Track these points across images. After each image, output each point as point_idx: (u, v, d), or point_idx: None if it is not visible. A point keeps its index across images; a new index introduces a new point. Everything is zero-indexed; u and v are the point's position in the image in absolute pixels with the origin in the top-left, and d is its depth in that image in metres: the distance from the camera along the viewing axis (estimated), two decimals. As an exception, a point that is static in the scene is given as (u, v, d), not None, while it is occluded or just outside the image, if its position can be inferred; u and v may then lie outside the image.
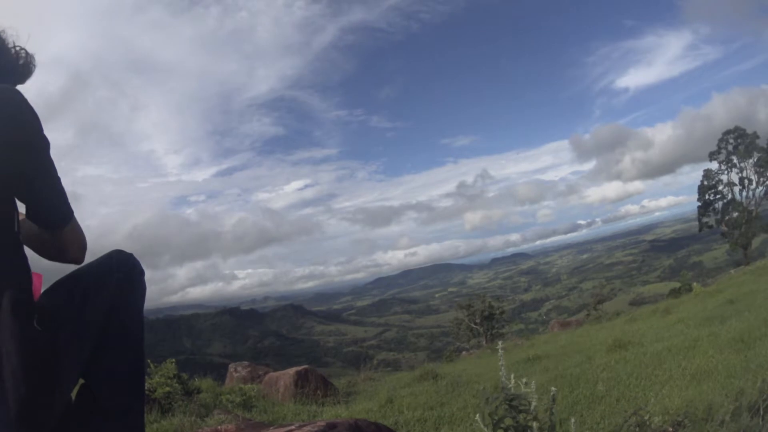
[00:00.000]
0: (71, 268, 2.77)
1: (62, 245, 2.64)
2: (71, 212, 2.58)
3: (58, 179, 2.46)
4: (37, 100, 2.34)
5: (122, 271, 2.83)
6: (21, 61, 2.65)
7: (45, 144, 2.36)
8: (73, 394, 2.74)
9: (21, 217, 2.50)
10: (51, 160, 2.40)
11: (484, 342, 44.92)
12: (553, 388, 3.87)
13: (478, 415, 3.51)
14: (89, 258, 2.81)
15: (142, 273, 2.94)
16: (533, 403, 3.55)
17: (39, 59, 2.70)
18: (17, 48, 2.64)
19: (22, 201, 2.40)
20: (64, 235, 2.59)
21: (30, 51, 2.67)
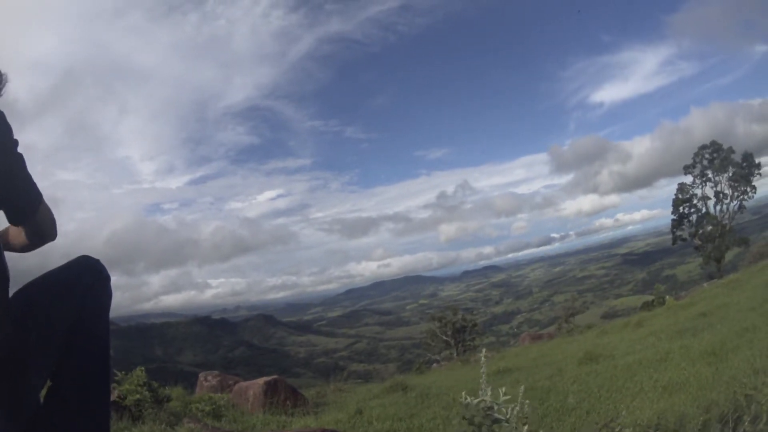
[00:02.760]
0: (39, 271, 2.88)
1: (38, 227, 2.82)
2: (41, 195, 2.72)
3: (27, 172, 2.61)
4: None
5: (89, 277, 2.92)
6: None
7: (15, 148, 2.53)
8: (42, 396, 2.83)
9: None
10: (21, 157, 2.56)
11: (455, 354, 44.96)
12: (526, 401, 3.85)
13: (455, 421, 3.50)
14: (61, 262, 2.93)
15: (108, 279, 3.03)
16: (514, 411, 3.54)
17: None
18: None
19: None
20: (39, 217, 2.75)
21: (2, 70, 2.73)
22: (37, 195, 2.69)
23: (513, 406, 3.58)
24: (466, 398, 3.57)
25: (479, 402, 3.49)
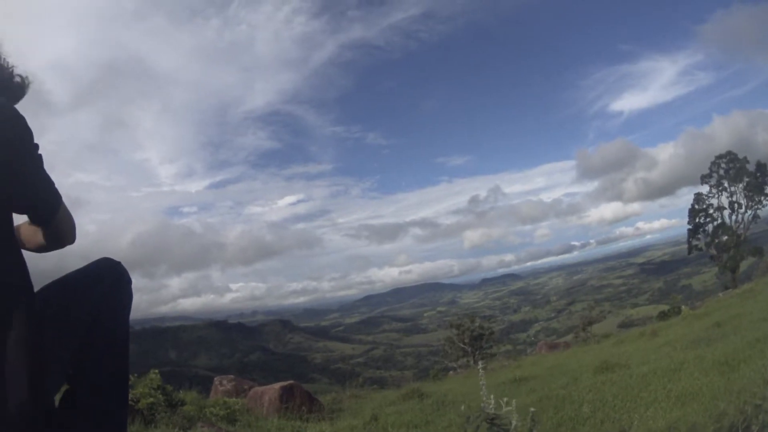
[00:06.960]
0: (57, 272, 2.87)
1: (57, 231, 2.74)
2: (60, 197, 2.67)
3: (46, 173, 2.55)
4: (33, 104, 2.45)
5: (110, 279, 2.90)
6: (16, 80, 2.72)
7: (35, 151, 2.47)
8: (57, 399, 2.79)
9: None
10: (40, 159, 2.50)
11: (472, 362, 44.83)
12: (531, 409, 3.88)
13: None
14: (79, 263, 2.92)
15: (129, 282, 3.00)
16: (513, 423, 3.55)
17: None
18: (11, 67, 2.71)
19: (18, 204, 2.49)
20: (58, 220, 2.69)
21: (24, 73, 2.74)
22: (56, 198, 2.65)
23: (518, 416, 3.60)
24: (467, 409, 3.60)
25: (479, 414, 3.52)
